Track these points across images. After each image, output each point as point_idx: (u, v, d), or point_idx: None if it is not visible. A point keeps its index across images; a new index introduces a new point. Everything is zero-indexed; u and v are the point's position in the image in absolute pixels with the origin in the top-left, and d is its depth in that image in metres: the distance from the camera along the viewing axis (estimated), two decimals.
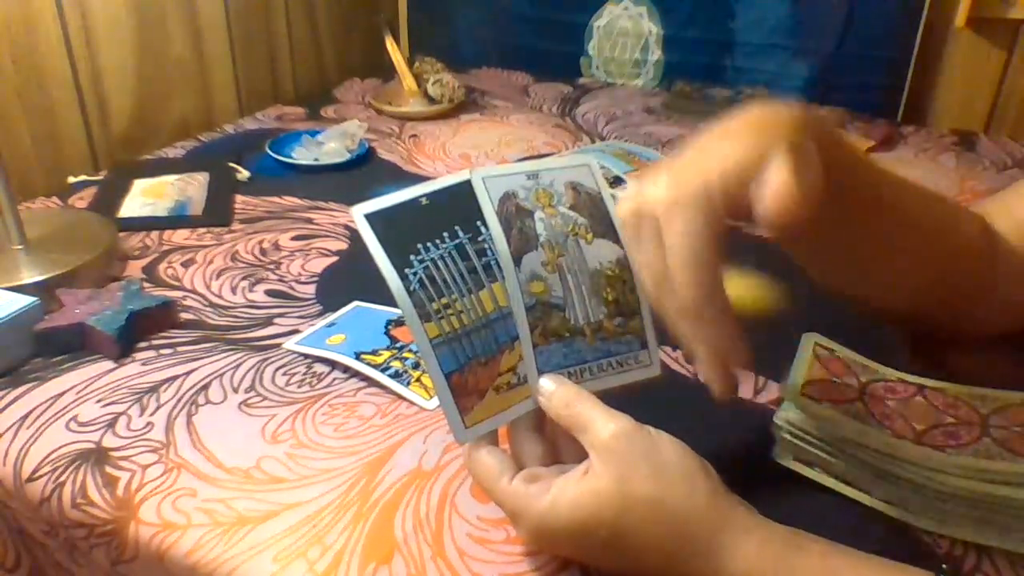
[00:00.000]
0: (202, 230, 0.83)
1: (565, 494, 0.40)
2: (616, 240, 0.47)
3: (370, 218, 0.42)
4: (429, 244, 0.42)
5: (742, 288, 0.71)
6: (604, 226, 0.47)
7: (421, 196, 0.44)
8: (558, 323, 0.45)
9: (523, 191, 0.46)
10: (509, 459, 0.43)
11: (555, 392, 0.43)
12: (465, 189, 0.44)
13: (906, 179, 0.49)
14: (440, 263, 0.42)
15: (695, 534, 0.40)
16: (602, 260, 0.47)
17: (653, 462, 0.40)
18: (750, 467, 0.50)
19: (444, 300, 0.42)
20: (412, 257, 0.42)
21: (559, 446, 0.45)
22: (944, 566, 0.39)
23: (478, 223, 0.44)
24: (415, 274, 0.42)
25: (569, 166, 0.48)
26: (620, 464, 0.40)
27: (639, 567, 0.41)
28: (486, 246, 0.44)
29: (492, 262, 0.44)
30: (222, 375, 0.60)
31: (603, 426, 0.41)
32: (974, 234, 0.54)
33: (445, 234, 0.43)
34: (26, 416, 0.56)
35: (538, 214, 0.45)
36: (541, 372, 0.44)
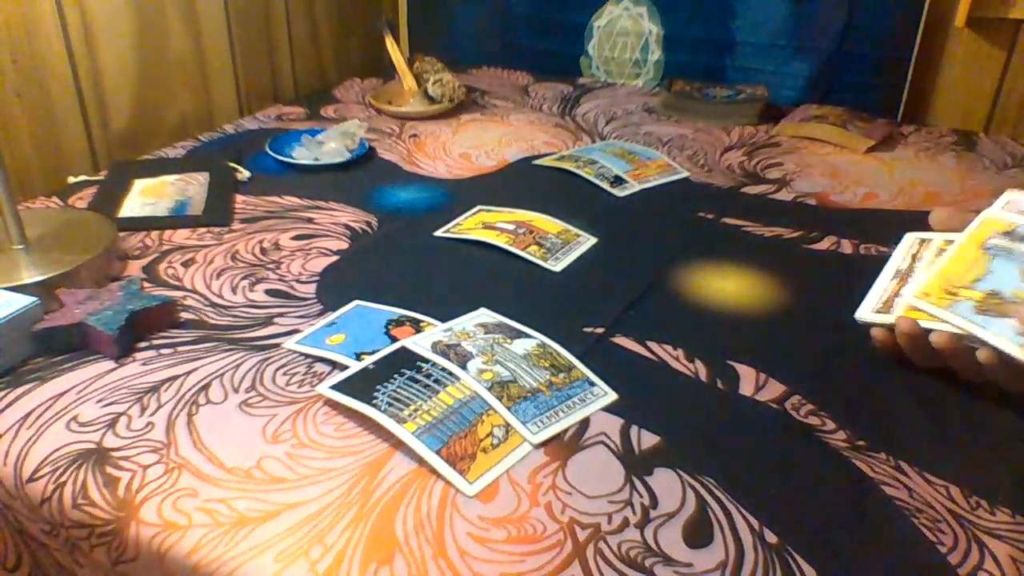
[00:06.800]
0: (202, 230, 0.83)
1: None
2: (529, 336, 0.62)
3: (334, 388, 0.56)
4: (386, 383, 0.56)
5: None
6: (515, 333, 0.63)
7: (368, 365, 0.58)
8: (516, 390, 0.56)
9: (445, 336, 0.61)
10: None
11: None
12: (401, 351, 0.59)
13: None
14: (399, 390, 0.55)
15: None
16: (526, 348, 0.61)
17: None
18: (750, 456, 0.50)
19: (412, 407, 0.54)
20: (375, 392, 0.55)
21: None
22: None
23: (418, 363, 0.58)
24: (382, 398, 0.54)
25: (468, 318, 0.64)
26: None
27: None
28: (431, 371, 0.57)
29: (439, 376, 0.56)
30: (222, 375, 0.60)
31: None
32: None
33: (395, 376, 0.56)
34: (26, 416, 0.56)
35: (463, 343, 0.60)
36: (523, 423, 0.53)
